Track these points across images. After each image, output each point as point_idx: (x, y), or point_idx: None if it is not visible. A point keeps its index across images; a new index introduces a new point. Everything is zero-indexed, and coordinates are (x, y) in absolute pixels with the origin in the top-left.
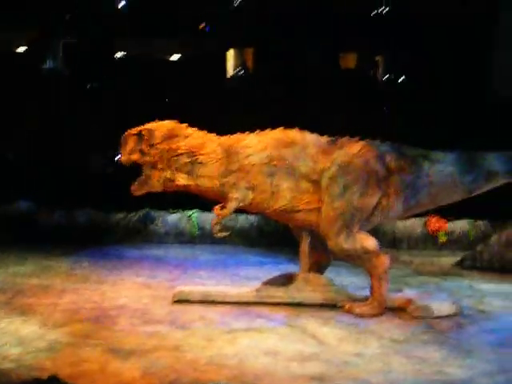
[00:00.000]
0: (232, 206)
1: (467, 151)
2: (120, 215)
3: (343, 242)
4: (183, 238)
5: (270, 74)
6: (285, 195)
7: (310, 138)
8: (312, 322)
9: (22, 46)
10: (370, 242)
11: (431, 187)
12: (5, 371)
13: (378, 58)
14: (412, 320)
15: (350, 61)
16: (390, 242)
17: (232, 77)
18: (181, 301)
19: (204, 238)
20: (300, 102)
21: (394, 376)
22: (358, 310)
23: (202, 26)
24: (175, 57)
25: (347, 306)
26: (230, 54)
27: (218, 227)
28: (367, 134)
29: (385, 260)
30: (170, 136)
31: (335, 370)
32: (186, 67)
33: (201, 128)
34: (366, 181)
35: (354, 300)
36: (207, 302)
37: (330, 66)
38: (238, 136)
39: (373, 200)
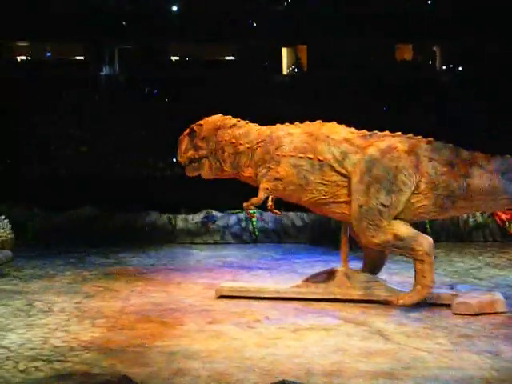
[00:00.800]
0: (261, 195)
1: None
2: (181, 216)
3: (373, 238)
4: (245, 237)
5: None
6: (312, 188)
7: (344, 132)
8: (377, 319)
9: (80, 55)
10: (402, 229)
11: (469, 192)
12: (78, 373)
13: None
14: (482, 315)
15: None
16: (458, 235)
17: (287, 74)
18: (223, 296)
19: (265, 237)
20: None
21: (465, 373)
22: (400, 301)
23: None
24: (229, 58)
25: (394, 300)
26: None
27: (250, 214)
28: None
29: (424, 242)
30: (217, 128)
31: (404, 367)
32: (241, 67)
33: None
34: (392, 177)
35: (397, 294)
36: (247, 297)
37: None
38: (276, 126)
39: (402, 197)
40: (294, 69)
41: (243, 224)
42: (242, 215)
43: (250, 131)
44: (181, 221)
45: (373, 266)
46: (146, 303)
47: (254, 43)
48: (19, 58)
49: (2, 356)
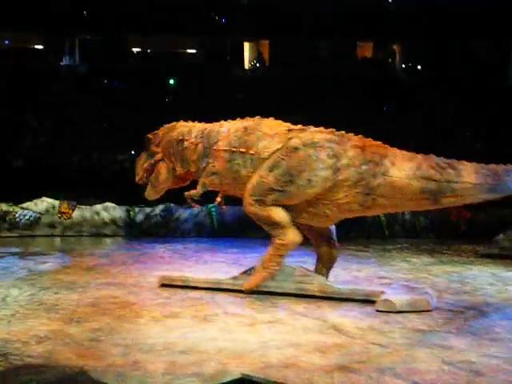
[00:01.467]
0: (199, 189)
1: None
2: (140, 209)
3: (251, 206)
4: (203, 231)
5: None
6: (245, 181)
7: (279, 126)
8: (332, 314)
9: (39, 44)
10: (278, 214)
11: (388, 190)
12: (34, 366)
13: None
14: (436, 310)
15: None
16: (412, 231)
17: (248, 68)
18: (164, 285)
19: (223, 231)
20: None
21: (418, 365)
22: (244, 286)
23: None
24: (191, 51)
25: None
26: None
27: (190, 202)
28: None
29: (289, 235)
30: (169, 131)
31: (358, 361)
32: (203, 61)
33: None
34: (300, 171)
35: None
36: (187, 286)
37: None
38: (219, 123)
39: (299, 192)
40: (255, 63)
41: (202, 217)
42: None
43: (193, 128)
44: (141, 214)
45: (324, 262)
46: (102, 296)
47: (216, 37)
48: None
49: None
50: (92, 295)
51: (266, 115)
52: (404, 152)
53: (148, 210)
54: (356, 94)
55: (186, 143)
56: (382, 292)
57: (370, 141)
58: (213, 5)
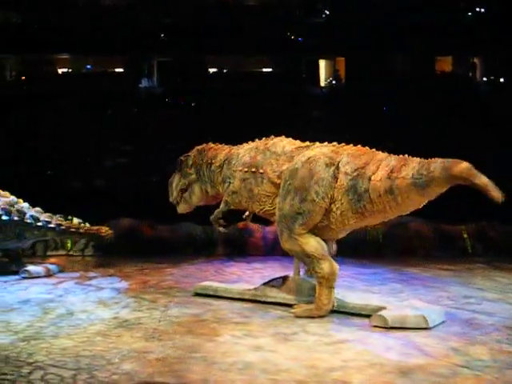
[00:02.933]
0: (222, 207)
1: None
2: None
3: (285, 243)
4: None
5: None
6: (258, 199)
7: (287, 145)
8: (414, 332)
9: (119, 67)
10: (311, 247)
11: (370, 195)
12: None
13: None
14: None
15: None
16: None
17: (324, 86)
18: (197, 294)
19: None
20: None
21: None
22: (294, 311)
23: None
24: (267, 70)
25: (294, 307)
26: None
27: (216, 224)
28: None
29: (325, 266)
30: (201, 153)
31: (444, 383)
32: (279, 79)
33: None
34: (308, 187)
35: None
36: (216, 296)
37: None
38: (241, 145)
39: (314, 207)
40: (331, 81)
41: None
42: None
43: (220, 151)
44: (216, 232)
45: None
46: (183, 314)
47: (291, 55)
48: (60, 71)
49: (39, 364)
50: (172, 313)
51: (340, 132)
52: (392, 156)
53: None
54: (433, 109)
55: (213, 166)
56: (383, 307)
57: (365, 149)
58: (288, 23)
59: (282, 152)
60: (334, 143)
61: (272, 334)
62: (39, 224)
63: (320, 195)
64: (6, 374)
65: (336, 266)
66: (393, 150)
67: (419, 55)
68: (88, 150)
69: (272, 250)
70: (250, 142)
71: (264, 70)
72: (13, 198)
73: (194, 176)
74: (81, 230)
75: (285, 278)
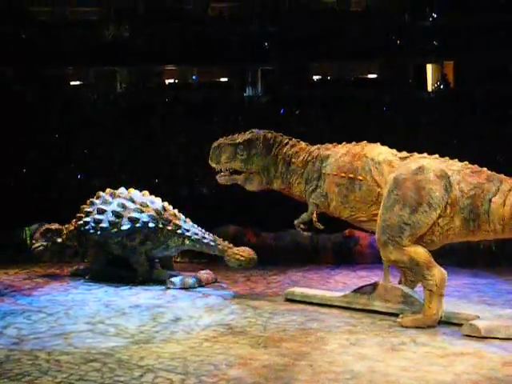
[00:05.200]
0: (310, 210)
1: None
2: (323, 235)
3: (391, 254)
4: None
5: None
6: (352, 206)
7: (386, 153)
8: None
9: (224, 76)
10: (420, 255)
11: (491, 216)
12: None
13: None
14: None
15: None
16: None
17: (432, 91)
18: (288, 300)
19: None
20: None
21: None
22: (400, 320)
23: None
24: (372, 76)
25: (401, 317)
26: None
27: (299, 228)
28: None
29: (436, 274)
30: (271, 144)
31: None
32: (385, 85)
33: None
34: (419, 197)
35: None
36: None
37: None
38: (324, 146)
39: (426, 218)
40: (439, 85)
41: None
42: None
43: (301, 150)
44: (322, 240)
45: (408, 278)
46: (288, 321)
47: (398, 60)
48: (167, 82)
49: (149, 368)
50: (278, 321)
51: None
52: (508, 178)
53: (332, 236)
54: None
55: (293, 165)
56: (477, 316)
57: (475, 166)
58: (394, 27)
59: (382, 160)
60: (436, 155)
61: (379, 344)
62: (179, 232)
63: (433, 206)
64: (119, 375)
65: (445, 272)
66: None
67: None
68: (195, 158)
69: (379, 258)
70: (336, 144)
71: (369, 76)
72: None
73: (259, 167)
74: (219, 247)
75: (375, 285)
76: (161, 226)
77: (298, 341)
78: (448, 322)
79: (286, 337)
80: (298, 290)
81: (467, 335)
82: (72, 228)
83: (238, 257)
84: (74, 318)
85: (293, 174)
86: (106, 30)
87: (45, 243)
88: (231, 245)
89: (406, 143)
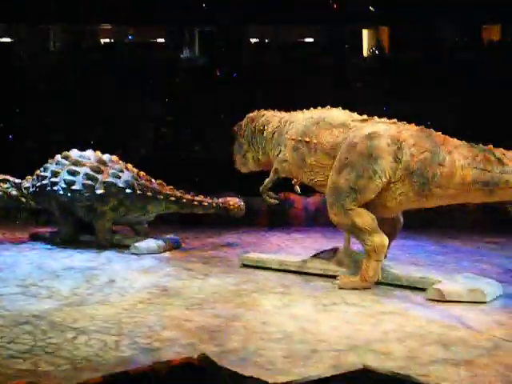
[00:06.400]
0: (271, 176)
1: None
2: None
3: (335, 216)
4: (321, 219)
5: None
6: (310, 169)
7: (344, 116)
8: (455, 305)
9: (160, 37)
10: (363, 220)
11: (442, 180)
12: (156, 352)
13: None
14: None
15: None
16: None
17: (367, 56)
18: (245, 265)
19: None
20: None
21: None
22: (339, 282)
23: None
24: (308, 40)
25: (338, 278)
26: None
27: (265, 195)
28: None
29: (376, 240)
30: (251, 121)
31: (485, 356)
32: (320, 49)
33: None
34: (365, 163)
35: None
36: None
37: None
38: (294, 112)
39: (371, 184)
40: (374, 51)
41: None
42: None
43: (272, 118)
44: (256, 202)
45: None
46: (222, 283)
47: (333, 25)
48: (102, 41)
49: (83, 330)
50: (212, 283)
51: (381, 103)
52: (462, 142)
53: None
54: (483, 82)
55: (265, 133)
56: (438, 281)
57: (429, 130)
58: None
59: (338, 123)
60: (394, 120)
61: (312, 305)
62: (160, 197)
63: (378, 174)
64: (51, 337)
65: (386, 239)
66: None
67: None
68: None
69: (313, 221)
70: (304, 111)
71: (306, 40)
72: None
73: (246, 146)
74: (205, 203)
75: (335, 250)
76: (139, 192)
77: (232, 302)
78: (408, 287)
79: (220, 298)
80: (253, 255)
81: (431, 299)
82: (30, 185)
83: (232, 207)
84: (5, 281)
85: (266, 142)
86: None
87: None
88: (221, 199)
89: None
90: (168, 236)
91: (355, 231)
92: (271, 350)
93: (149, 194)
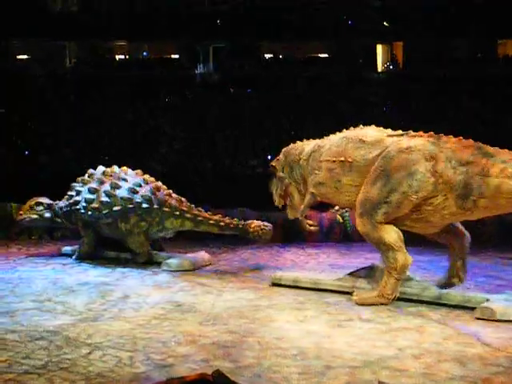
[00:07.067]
0: (307, 199)
1: None
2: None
3: (363, 226)
4: (336, 235)
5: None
6: (346, 190)
7: (378, 133)
8: (472, 322)
9: (176, 53)
10: (390, 236)
11: (489, 191)
12: (170, 368)
13: None
14: None
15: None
16: None
17: (382, 71)
18: (275, 284)
19: (358, 234)
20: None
21: None
22: (355, 297)
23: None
24: (323, 55)
25: (355, 294)
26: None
27: (303, 221)
28: None
29: (399, 258)
30: (288, 155)
31: (502, 373)
32: (335, 64)
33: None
34: (401, 177)
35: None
36: (297, 286)
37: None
38: (326, 137)
39: (404, 199)
40: (388, 66)
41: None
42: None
43: (306, 145)
44: (272, 217)
45: (456, 253)
46: (237, 299)
47: (349, 40)
48: (117, 57)
49: (97, 345)
50: (227, 298)
51: (398, 119)
52: (504, 151)
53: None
54: (497, 95)
55: (301, 161)
56: (487, 299)
57: (468, 141)
58: (344, 8)
59: (372, 140)
60: (431, 133)
61: (327, 321)
62: (177, 213)
63: (414, 188)
64: (66, 353)
65: (410, 259)
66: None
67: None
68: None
69: (327, 236)
70: (337, 133)
71: (320, 55)
72: (158, 182)
73: (287, 180)
74: (221, 223)
75: (371, 268)
76: (156, 206)
77: (246, 318)
78: (423, 303)
79: (234, 314)
80: (284, 274)
81: (480, 318)
82: (62, 205)
83: (252, 230)
84: (20, 296)
85: (303, 169)
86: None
87: (33, 216)
88: (242, 221)
89: (356, 120)
90: (199, 252)
91: (380, 246)
92: (286, 367)
93: (166, 209)
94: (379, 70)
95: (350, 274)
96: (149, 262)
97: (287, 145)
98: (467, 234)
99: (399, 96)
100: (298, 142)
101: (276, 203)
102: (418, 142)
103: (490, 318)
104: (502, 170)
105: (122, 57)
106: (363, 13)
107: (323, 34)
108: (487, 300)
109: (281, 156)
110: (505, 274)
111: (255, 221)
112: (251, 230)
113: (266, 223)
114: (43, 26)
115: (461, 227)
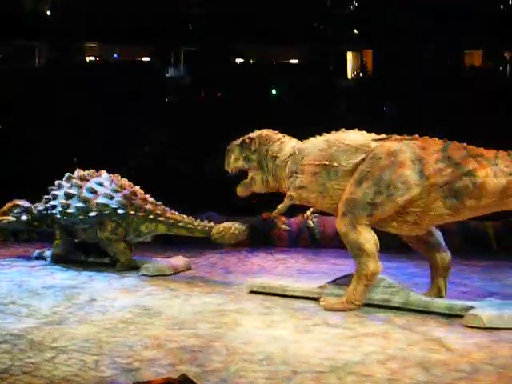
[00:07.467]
0: (286, 202)
1: None
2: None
3: (343, 225)
4: (304, 240)
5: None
6: (331, 194)
7: (361, 137)
8: (437, 328)
9: (146, 56)
10: (367, 243)
11: (476, 190)
12: (136, 372)
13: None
14: None
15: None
16: None
17: (351, 78)
18: (253, 292)
19: (325, 240)
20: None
21: None
22: (323, 303)
23: None
24: (294, 61)
25: (322, 300)
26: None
27: (277, 221)
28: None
29: (370, 266)
30: (265, 142)
31: (465, 378)
32: (306, 70)
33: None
34: (387, 180)
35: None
36: (273, 294)
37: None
38: (306, 140)
39: (390, 202)
40: (358, 73)
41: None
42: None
43: (285, 145)
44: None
45: (438, 271)
46: (204, 303)
47: (319, 47)
48: (88, 59)
49: (62, 349)
50: (194, 303)
51: (367, 125)
52: (490, 151)
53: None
54: (464, 104)
55: (277, 161)
56: (471, 307)
57: (454, 143)
58: (316, 15)
59: (358, 144)
60: (416, 135)
61: (294, 326)
62: (151, 217)
63: (400, 191)
64: (30, 357)
65: (381, 267)
66: None
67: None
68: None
69: (296, 242)
70: (317, 136)
71: (291, 61)
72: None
73: (255, 164)
74: (190, 226)
75: (352, 276)
76: (132, 212)
77: (213, 322)
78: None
79: (201, 318)
80: (263, 282)
81: (469, 326)
82: (40, 209)
83: (223, 234)
84: None
85: (279, 169)
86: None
87: (10, 218)
88: (211, 223)
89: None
90: (177, 257)
91: (355, 249)
92: (252, 371)
93: (141, 214)
94: (349, 77)
95: (330, 282)
96: (132, 269)
97: None
98: (449, 252)
99: (370, 102)
100: (277, 133)
101: (226, 167)
102: (403, 144)
103: (480, 326)
104: (488, 170)
105: (93, 58)
106: (334, 20)
107: (295, 40)
108: (471, 307)
109: (257, 137)
110: (469, 282)
111: (226, 223)
112: (215, 234)
113: (236, 225)
114: (13, 25)
115: (444, 245)
